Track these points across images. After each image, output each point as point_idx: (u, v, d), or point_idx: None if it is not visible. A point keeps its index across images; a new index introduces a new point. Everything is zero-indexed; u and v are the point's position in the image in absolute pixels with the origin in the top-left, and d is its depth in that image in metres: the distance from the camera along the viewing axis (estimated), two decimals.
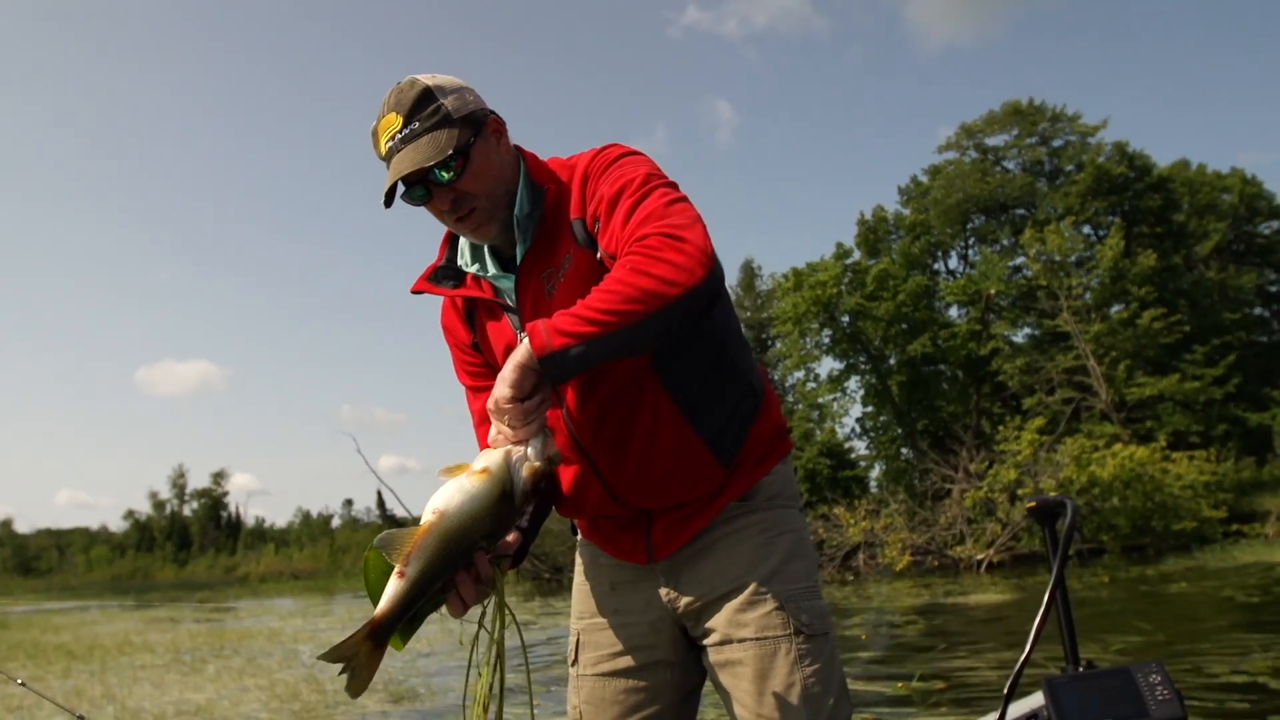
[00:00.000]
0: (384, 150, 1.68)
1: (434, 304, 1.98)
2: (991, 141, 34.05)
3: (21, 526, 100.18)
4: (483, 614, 1.54)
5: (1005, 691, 1.86)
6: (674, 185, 1.67)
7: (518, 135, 1.83)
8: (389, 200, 1.68)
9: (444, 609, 1.55)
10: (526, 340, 1.47)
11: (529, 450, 1.50)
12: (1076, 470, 20.57)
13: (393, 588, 1.44)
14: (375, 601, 1.46)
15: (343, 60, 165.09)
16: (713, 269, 1.49)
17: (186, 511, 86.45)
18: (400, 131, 1.65)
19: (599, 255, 1.67)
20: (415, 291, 1.90)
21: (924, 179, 35.51)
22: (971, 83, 76.73)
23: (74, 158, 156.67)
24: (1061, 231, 26.87)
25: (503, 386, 1.47)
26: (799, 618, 1.70)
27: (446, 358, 2.00)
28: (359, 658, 1.44)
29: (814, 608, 1.74)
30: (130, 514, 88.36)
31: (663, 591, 1.83)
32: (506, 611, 1.56)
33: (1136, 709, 1.73)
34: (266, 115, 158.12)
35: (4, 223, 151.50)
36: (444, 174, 1.66)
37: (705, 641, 1.77)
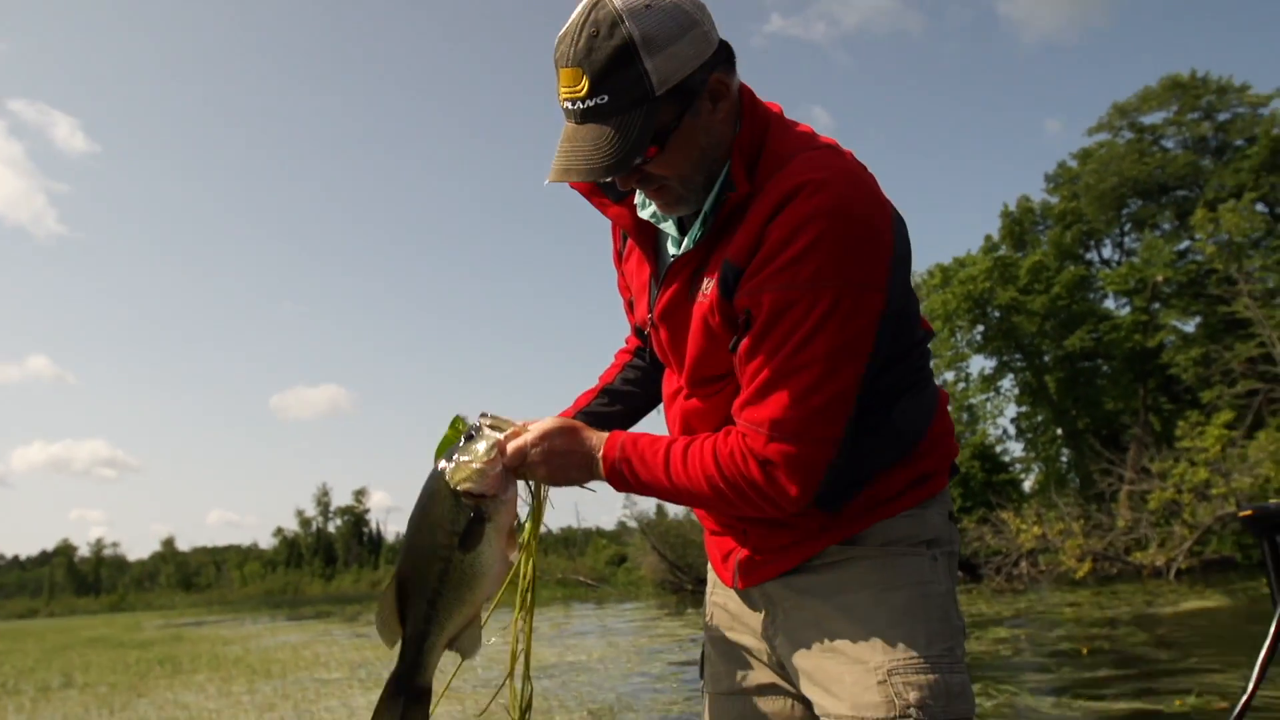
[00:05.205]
0: (562, 102, 1.32)
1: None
2: (1148, 120, 31.84)
3: (181, 545, 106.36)
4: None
5: None
6: (836, 356, 1.29)
7: None
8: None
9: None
10: (602, 453, 1.45)
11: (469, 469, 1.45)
12: (1275, 469, 18.84)
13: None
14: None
15: (424, 51, 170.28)
16: (800, 506, 1.35)
17: (331, 528, 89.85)
18: (583, 101, 1.28)
19: (717, 318, 1.40)
20: (579, 191, 1.60)
21: (1072, 164, 33.49)
22: (1076, 74, 73.90)
23: (189, 198, 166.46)
24: (1239, 210, 24.79)
25: (534, 441, 1.46)
26: (906, 695, 1.31)
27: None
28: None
29: (933, 684, 1.33)
30: (279, 531, 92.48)
31: (760, 622, 1.60)
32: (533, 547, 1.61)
33: None
34: (380, 133, 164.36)
35: (144, 274, 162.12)
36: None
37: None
